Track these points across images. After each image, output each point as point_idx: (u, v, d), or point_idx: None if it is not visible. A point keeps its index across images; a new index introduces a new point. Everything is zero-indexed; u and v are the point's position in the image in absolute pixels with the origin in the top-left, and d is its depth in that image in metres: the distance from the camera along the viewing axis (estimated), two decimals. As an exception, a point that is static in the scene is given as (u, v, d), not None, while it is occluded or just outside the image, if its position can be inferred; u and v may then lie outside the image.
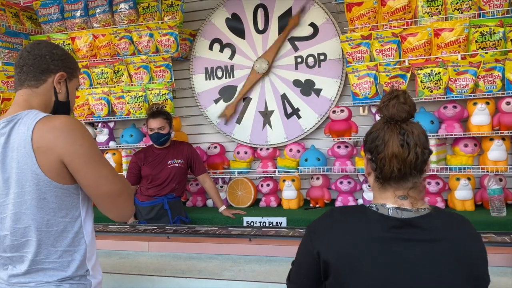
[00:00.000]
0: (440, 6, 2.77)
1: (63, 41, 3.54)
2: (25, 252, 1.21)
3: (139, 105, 3.35)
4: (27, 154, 1.16)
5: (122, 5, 3.40)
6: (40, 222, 1.19)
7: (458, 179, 2.74)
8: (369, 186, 2.95)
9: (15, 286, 1.23)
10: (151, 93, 3.33)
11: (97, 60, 3.53)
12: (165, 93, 3.31)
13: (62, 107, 1.35)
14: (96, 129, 3.53)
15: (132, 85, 3.43)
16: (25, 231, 1.20)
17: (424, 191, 2.50)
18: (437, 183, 2.82)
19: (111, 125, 3.56)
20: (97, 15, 3.47)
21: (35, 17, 3.68)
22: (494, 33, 2.63)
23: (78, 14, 3.51)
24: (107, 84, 3.48)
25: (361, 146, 3.04)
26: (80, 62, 3.54)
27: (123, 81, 3.46)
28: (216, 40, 3.49)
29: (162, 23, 3.33)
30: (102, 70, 3.47)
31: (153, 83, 3.37)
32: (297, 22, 3.26)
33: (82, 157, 1.18)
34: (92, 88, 3.52)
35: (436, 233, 1.04)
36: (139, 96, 3.35)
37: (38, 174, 1.16)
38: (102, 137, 3.52)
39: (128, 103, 3.39)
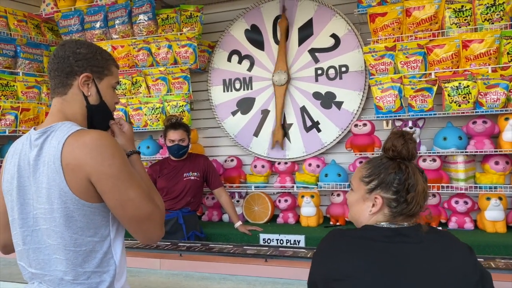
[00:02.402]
0: (469, 17, 2.65)
1: (83, 52, 3.54)
2: (53, 271, 1.15)
3: (156, 116, 3.31)
4: (56, 171, 1.10)
5: (141, 17, 3.39)
6: (69, 241, 1.12)
7: (488, 199, 2.59)
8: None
9: None
10: (169, 104, 3.29)
11: (115, 71, 3.51)
12: (183, 105, 3.26)
13: (98, 112, 1.24)
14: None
15: (150, 96, 3.40)
16: (55, 248, 1.14)
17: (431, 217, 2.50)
18: (466, 202, 2.67)
19: (128, 136, 3.52)
20: (116, 26, 3.47)
21: (56, 28, 3.70)
22: (528, 44, 2.49)
23: (97, 25, 3.52)
24: (125, 95, 3.46)
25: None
26: (99, 73, 3.53)
27: (141, 93, 3.43)
28: (234, 52, 3.44)
29: (181, 34, 3.29)
30: (120, 81, 3.45)
31: (171, 94, 3.33)
32: (287, 22, 3.22)
33: (110, 179, 1.10)
34: (110, 99, 3.49)
35: (423, 240, 1.11)
36: (157, 108, 3.31)
37: (66, 192, 1.10)
38: (118, 148, 3.48)
39: (145, 114, 3.35)
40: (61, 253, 1.13)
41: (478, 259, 2.01)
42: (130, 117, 3.42)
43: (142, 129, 3.41)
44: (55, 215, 1.11)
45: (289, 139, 3.29)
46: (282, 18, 3.25)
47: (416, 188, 1.14)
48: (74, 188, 1.10)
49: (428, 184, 2.76)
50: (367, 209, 1.19)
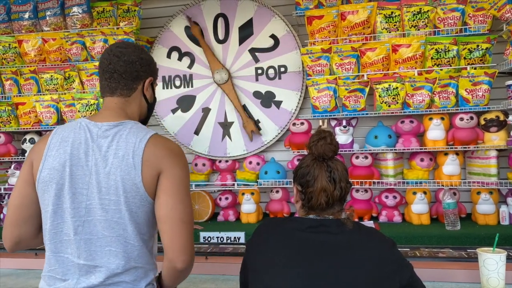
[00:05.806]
0: (398, 23, 2.83)
1: (9, 44, 3.31)
2: (105, 262, 1.15)
3: (91, 113, 3.18)
4: (134, 165, 1.17)
5: (75, 9, 3.23)
6: (131, 234, 1.17)
7: (414, 193, 2.78)
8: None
9: None
10: (105, 101, 3.17)
11: (46, 65, 3.32)
12: (120, 102, 3.15)
13: (152, 109, 1.43)
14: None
15: (84, 92, 3.25)
16: (111, 240, 1.15)
17: (353, 214, 2.63)
18: (395, 197, 2.85)
19: (60, 134, 3.34)
20: (47, 18, 3.28)
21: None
22: (449, 50, 2.71)
23: (26, 16, 3.31)
24: (57, 91, 3.28)
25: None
26: (28, 67, 3.33)
27: (74, 88, 3.28)
28: (174, 48, 3.39)
29: (117, 28, 3.19)
30: (51, 76, 3.27)
31: (107, 91, 3.21)
32: (198, 30, 3.30)
33: (176, 179, 1.21)
34: (40, 94, 3.30)
35: (344, 232, 1.19)
36: (91, 104, 3.18)
37: (139, 188, 1.17)
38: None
39: (79, 111, 3.20)
40: (119, 245, 1.15)
41: (405, 249, 2.15)
42: (63, 114, 3.25)
43: (76, 126, 3.25)
44: (121, 207, 1.15)
45: (230, 137, 3.31)
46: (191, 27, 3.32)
47: (315, 185, 1.21)
48: (146, 183, 1.17)
49: (360, 180, 2.89)
50: (295, 201, 1.32)
